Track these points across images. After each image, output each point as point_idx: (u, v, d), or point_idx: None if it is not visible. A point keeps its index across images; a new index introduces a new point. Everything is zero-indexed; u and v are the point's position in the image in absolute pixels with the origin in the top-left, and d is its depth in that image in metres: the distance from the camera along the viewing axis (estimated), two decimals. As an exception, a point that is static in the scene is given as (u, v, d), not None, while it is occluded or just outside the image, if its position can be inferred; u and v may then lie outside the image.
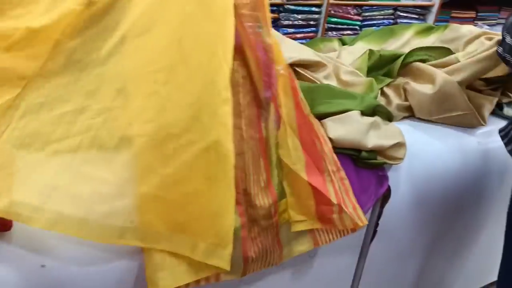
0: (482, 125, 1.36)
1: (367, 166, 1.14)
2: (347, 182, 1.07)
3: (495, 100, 1.47)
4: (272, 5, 2.72)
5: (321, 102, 1.18)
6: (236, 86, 0.96)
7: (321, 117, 1.15)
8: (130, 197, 0.80)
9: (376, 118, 1.19)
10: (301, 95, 1.10)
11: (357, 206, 1.06)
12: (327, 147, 1.07)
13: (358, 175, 1.14)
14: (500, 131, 1.22)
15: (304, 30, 2.87)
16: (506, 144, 1.19)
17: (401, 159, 1.17)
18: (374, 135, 1.14)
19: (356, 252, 1.29)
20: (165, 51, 0.87)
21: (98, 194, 0.79)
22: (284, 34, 2.80)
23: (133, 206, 0.80)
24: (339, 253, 1.22)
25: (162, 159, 0.82)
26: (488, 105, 1.45)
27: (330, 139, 1.10)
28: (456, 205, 1.39)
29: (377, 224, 1.24)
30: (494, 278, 1.72)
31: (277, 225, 0.99)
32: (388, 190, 1.20)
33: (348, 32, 3.02)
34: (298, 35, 2.86)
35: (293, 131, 0.99)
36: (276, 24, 2.80)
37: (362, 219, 1.04)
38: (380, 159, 1.15)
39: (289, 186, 0.99)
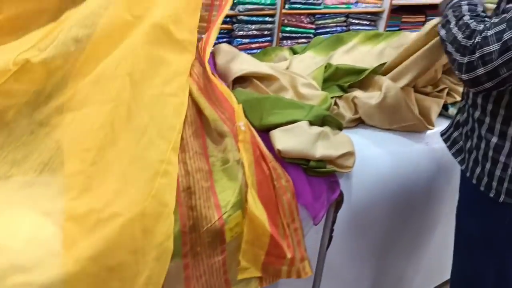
0: (430, 129, 1.40)
1: (317, 174, 1.15)
2: (300, 232, 1.09)
3: (442, 102, 1.52)
4: (226, 16, 2.73)
5: (270, 113, 1.19)
6: None
7: (270, 128, 1.16)
8: (54, 271, 0.76)
9: (325, 128, 1.21)
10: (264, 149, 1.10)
11: (305, 255, 1.09)
12: (286, 197, 1.08)
13: (310, 183, 1.15)
14: (442, 134, 1.26)
15: (259, 40, 2.89)
16: (449, 148, 1.22)
17: (351, 167, 1.19)
18: (322, 145, 1.15)
19: (314, 259, 1.30)
20: (96, 132, 0.89)
21: (15, 266, 0.75)
22: (239, 44, 2.82)
23: (58, 281, 0.76)
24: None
25: (85, 233, 0.80)
26: (436, 108, 1.49)
27: (278, 150, 1.11)
28: (408, 205, 1.43)
29: (332, 230, 1.26)
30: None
31: (224, 263, 0.98)
32: (341, 195, 1.22)
33: (303, 40, 3.05)
34: (253, 45, 2.87)
35: (252, 185, 1.00)
36: (230, 35, 2.80)
37: (307, 271, 1.08)
38: (329, 168, 1.16)
39: (248, 233, 0.98)
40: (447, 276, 1.80)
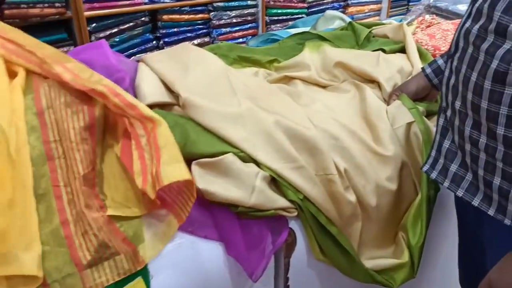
0: None
1: (253, 217, 0.91)
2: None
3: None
4: (199, 4, 2.45)
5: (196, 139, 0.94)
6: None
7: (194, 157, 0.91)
8: None
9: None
10: None
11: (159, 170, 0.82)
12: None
13: (243, 228, 0.91)
14: (426, 171, 0.92)
15: (242, 27, 2.61)
16: (453, 188, 0.86)
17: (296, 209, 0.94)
18: (260, 191, 0.90)
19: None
20: None
21: None
22: (219, 35, 2.56)
23: None
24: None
25: None
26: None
27: (200, 190, 0.87)
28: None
29: (287, 279, 1.01)
30: None
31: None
32: (291, 235, 0.97)
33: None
34: (236, 34, 2.58)
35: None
36: (208, 25, 2.52)
37: (161, 183, 0.80)
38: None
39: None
40: None
